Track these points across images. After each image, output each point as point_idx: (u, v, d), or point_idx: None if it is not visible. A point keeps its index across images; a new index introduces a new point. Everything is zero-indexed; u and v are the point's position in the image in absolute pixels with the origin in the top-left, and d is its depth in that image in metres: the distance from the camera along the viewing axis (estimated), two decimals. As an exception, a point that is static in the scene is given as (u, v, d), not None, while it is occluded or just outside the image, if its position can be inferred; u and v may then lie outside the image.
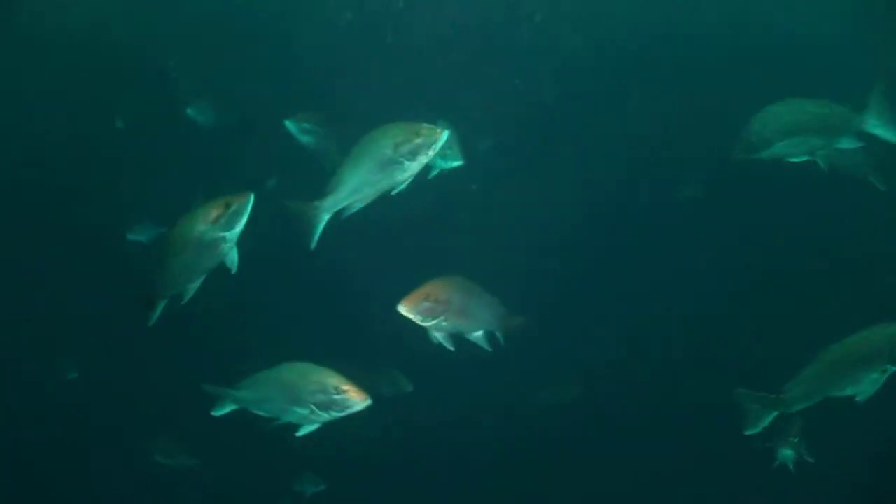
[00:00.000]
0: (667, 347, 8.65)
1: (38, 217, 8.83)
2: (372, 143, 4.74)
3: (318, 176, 7.29)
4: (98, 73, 8.66)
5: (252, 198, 4.36)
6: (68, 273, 8.73)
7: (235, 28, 9.14)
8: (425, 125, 4.72)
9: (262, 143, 7.95)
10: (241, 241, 4.50)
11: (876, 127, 5.37)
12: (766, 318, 8.17)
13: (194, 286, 4.60)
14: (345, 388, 4.71)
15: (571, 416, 8.58)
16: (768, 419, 5.09)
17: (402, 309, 4.92)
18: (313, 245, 4.80)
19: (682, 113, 8.09)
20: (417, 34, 8.69)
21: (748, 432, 5.15)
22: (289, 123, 7.26)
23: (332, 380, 4.73)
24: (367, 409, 4.75)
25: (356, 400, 4.70)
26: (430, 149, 4.67)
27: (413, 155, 4.67)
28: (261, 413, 5.04)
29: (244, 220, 4.36)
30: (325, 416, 4.78)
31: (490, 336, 5.54)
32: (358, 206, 4.85)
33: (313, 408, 4.75)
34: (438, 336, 5.14)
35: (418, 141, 4.66)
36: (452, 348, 5.21)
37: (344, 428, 5.06)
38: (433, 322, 5.00)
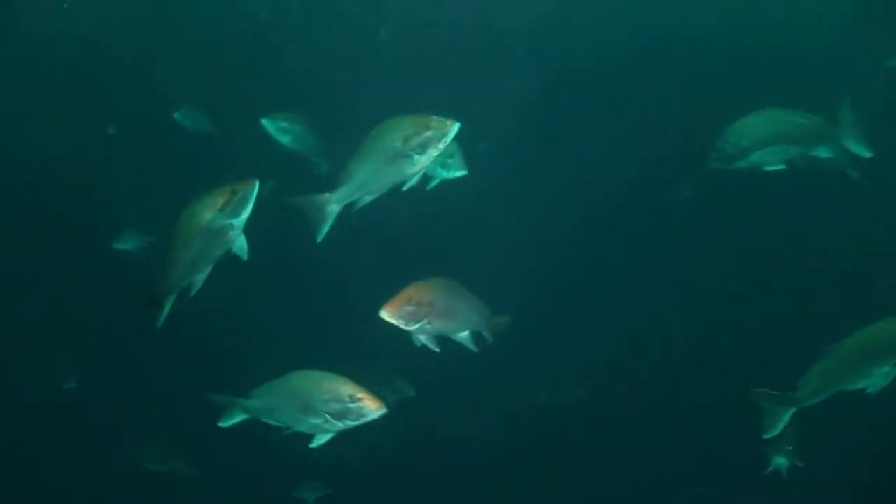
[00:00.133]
0: (667, 348, 8.68)
1: (31, 225, 8.71)
2: (381, 136, 4.67)
3: (311, 179, 7.39)
4: (89, 79, 8.54)
5: (257, 184, 4.32)
6: (65, 279, 8.65)
7: (227, 34, 9.04)
8: (435, 117, 4.62)
9: (256, 148, 7.82)
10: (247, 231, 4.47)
11: (848, 141, 5.73)
12: (765, 319, 8.20)
13: (202, 278, 4.52)
14: (360, 396, 4.60)
15: (572, 416, 8.57)
16: (786, 418, 5.08)
17: (385, 314, 4.84)
18: (321, 238, 4.76)
19: (680, 113, 8.09)
20: (412, 40, 8.63)
21: (767, 436, 5.14)
22: (266, 122, 7.15)
23: (347, 388, 4.62)
24: (383, 418, 4.65)
25: (372, 408, 4.59)
26: (441, 142, 4.59)
27: (423, 148, 4.60)
28: (271, 423, 4.91)
29: (250, 206, 4.32)
30: (339, 426, 4.67)
31: (476, 336, 5.46)
32: (367, 199, 4.81)
33: (327, 417, 4.64)
34: (423, 338, 5.06)
35: (428, 134, 4.58)
36: (438, 349, 5.12)
37: (345, 434, 4.97)
38: (417, 325, 4.91)
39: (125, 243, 8.50)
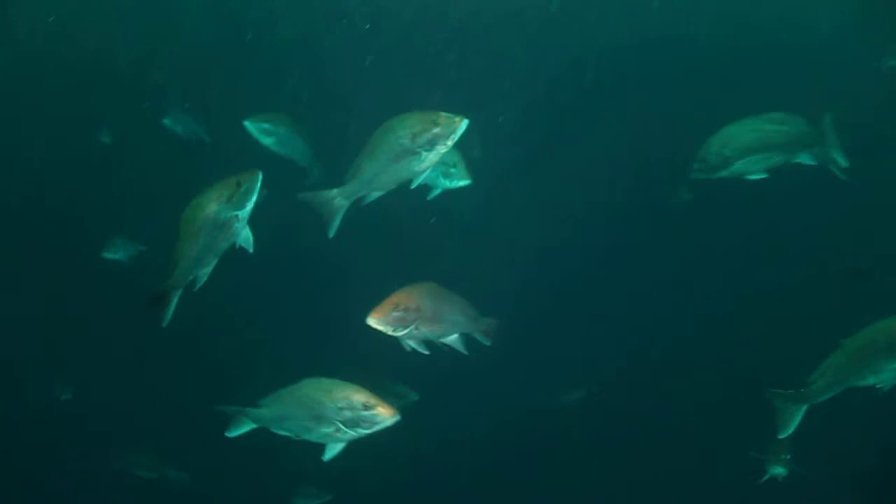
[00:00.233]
0: (668, 349, 8.66)
1: (24, 232, 8.63)
2: (389, 133, 4.66)
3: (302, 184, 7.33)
4: (82, 87, 8.42)
5: (260, 175, 4.33)
6: (59, 287, 8.55)
7: (221, 39, 8.95)
8: (444, 114, 4.60)
9: (253, 154, 7.74)
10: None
11: (830, 149, 5.86)
12: (765, 320, 8.24)
13: (207, 272, 4.52)
14: (373, 403, 4.53)
15: (573, 418, 8.56)
16: (799, 416, 5.09)
17: (372, 321, 4.79)
18: (332, 233, 4.78)
19: (677, 115, 8.08)
20: (408, 46, 8.59)
21: (782, 435, 5.14)
22: (248, 124, 7.08)
23: (360, 395, 4.56)
24: (396, 425, 4.59)
25: (386, 416, 4.53)
26: (450, 138, 4.58)
27: (431, 145, 4.58)
28: (281, 433, 4.83)
29: (254, 197, 4.34)
30: (352, 434, 4.60)
31: (465, 338, 5.41)
32: (375, 195, 4.82)
33: (340, 425, 4.57)
34: (412, 343, 5.04)
35: (436, 131, 4.56)
36: (427, 352, 5.11)
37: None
38: (405, 331, 4.88)
39: (115, 253, 8.35)
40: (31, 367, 8.51)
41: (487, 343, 5.46)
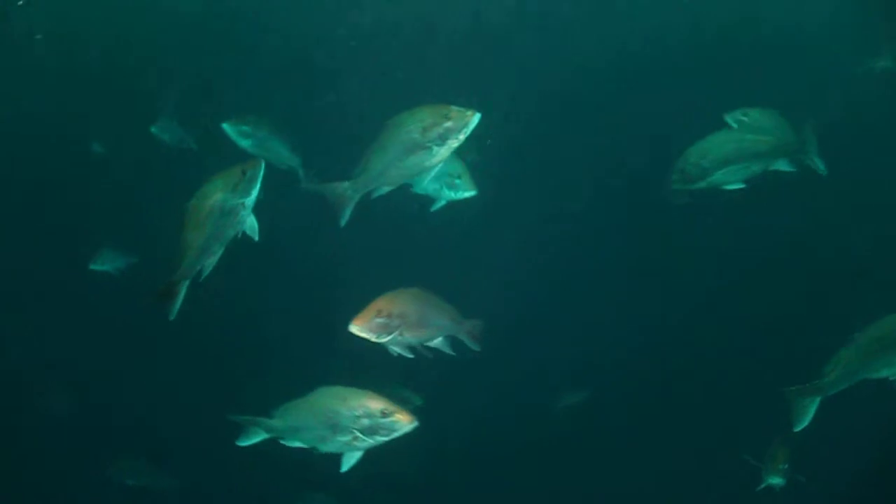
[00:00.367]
0: (669, 350, 8.67)
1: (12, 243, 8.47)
2: (399, 127, 4.60)
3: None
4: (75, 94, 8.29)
5: (263, 164, 4.37)
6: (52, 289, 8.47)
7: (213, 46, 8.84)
8: (455, 108, 4.54)
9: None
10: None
11: (810, 158, 5.99)
12: (766, 321, 8.29)
13: (212, 262, 4.50)
14: (391, 410, 4.47)
15: (575, 419, 8.53)
16: (813, 409, 5.08)
17: (354, 329, 4.73)
18: (344, 222, 4.78)
19: (677, 113, 8.11)
20: (404, 51, 8.55)
21: (797, 429, 5.11)
22: (226, 127, 7.03)
23: (377, 403, 4.49)
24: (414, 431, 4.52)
25: (404, 422, 4.47)
26: (461, 133, 4.51)
27: (442, 139, 4.52)
28: (295, 444, 4.73)
29: (259, 185, 4.37)
30: (370, 442, 4.53)
31: (451, 341, 5.35)
32: (385, 189, 4.80)
33: (357, 433, 4.49)
34: (397, 349, 4.98)
35: (448, 125, 4.50)
36: (412, 356, 5.05)
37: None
38: (389, 337, 4.83)
39: (103, 264, 8.21)
40: (23, 372, 8.40)
41: (474, 347, 5.39)
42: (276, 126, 7.22)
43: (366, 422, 4.46)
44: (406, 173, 4.69)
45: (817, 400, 5.09)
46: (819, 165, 6.08)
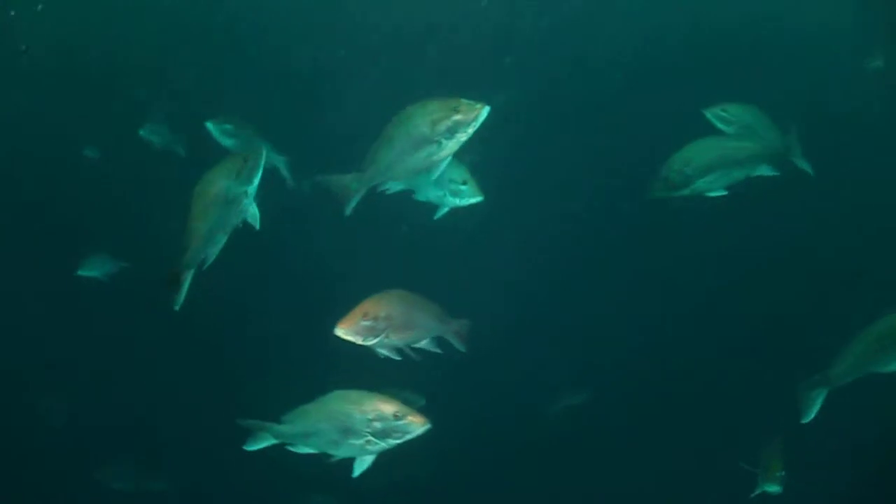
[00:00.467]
0: (668, 351, 8.67)
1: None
2: (407, 120, 4.56)
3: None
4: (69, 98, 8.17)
5: (264, 151, 4.47)
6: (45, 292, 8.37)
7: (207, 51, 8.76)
8: (464, 101, 4.49)
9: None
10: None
11: (797, 160, 6.08)
12: (765, 321, 8.30)
13: (216, 251, 4.51)
14: (404, 412, 4.43)
15: (574, 420, 8.51)
16: (820, 401, 5.12)
17: (340, 332, 4.69)
18: (349, 212, 4.79)
19: (677, 113, 8.12)
20: (401, 54, 8.50)
21: (805, 420, 5.16)
22: (210, 125, 7.03)
23: (390, 405, 4.45)
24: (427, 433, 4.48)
25: (417, 424, 4.44)
26: (470, 126, 4.47)
27: (451, 133, 4.48)
28: (306, 450, 4.66)
29: (260, 173, 4.44)
30: (383, 445, 4.49)
31: (438, 340, 5.32)
32: (395, 187, 4.85)
33: (370, 437, 4.44)
34: (384, 351, 4.96)
35: (457, 118, 4.46)
36: (399, 358, 5.03)
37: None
38: (375, 340, 4.80)
39: (91, 269, 8.08)
40: (22, 372, 8.34)
41: (461, 347, 5.36)
42: (261, 127, 7.17)
43: (378, 425, 4.41)
44: (414, 168, 4.65)
45: (824, 392, 5.14)
46: (806, 168, 6.12)
